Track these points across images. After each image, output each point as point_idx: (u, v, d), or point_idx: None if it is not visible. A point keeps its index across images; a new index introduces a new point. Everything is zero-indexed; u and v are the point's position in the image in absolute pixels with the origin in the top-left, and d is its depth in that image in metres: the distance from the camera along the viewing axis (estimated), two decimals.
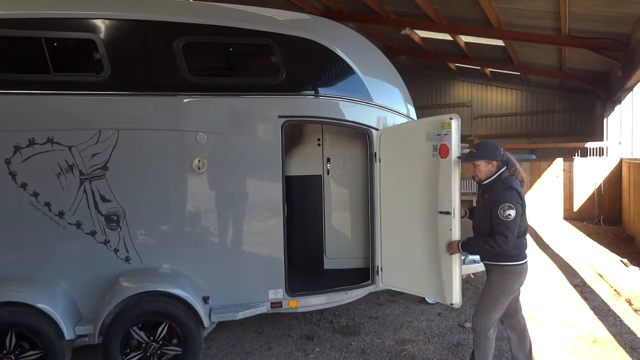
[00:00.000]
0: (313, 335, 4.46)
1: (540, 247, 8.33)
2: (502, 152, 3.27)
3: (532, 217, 11.68)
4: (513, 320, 3.46)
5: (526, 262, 3.25)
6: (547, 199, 11.83)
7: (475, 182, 3.46)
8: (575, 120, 16.56)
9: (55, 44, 3.54)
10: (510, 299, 3.26)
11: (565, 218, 11.53)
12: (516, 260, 3.19)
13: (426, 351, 4.13)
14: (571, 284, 6.06)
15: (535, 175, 12.12)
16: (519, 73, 15.13)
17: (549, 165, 11.94)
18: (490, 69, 15.74)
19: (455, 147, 3.43)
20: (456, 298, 3.50)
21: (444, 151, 3.49)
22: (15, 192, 3.40)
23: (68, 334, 3.33)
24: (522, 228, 3.19)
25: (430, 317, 4.86)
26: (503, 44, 11.65)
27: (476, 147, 3.32)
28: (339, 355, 4.06)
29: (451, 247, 3.41)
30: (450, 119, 3.47)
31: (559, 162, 11.84)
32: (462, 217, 3.52)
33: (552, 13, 8.62)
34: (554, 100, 16.99)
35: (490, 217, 3.12)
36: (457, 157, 3.41)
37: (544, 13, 8.74)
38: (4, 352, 3.26)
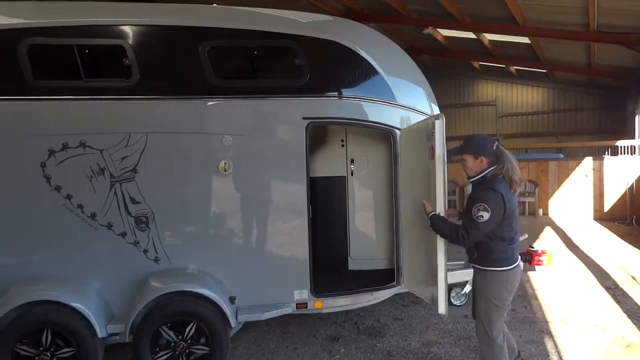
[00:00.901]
0: (338, 336, 4.46)
1: (570, 249, 8.13)
2: (495, 147, 3.05)
3: (561, 218, 11.42)
4: None
5: (513, 269, 3.05)
6: (576, 199, 11.54)
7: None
8: (605, 117, 16.10)
9: (87, 51, 3.64)
10: (504, 305, 3.09)
11: (596, 219, 11.22)
12: (500, 265, 3.02)
13: (453, 354, 4.08)
14: (603, 286, 5.89)
15: (564, 175, 11.84)
16: (545, 70, 14.81)
17: (577, 165, 11.65)
18: (515, 67, 15.45)
19: (438, 147, 3.32)
20: (442, 309, 3.42)
21: (432, 152, 3.40)
22: (50, 194, 3.51)
23: (100, 332, 3.42)
24: (510, 234, 3.03)
25: (456, 319, 4.80)
26: (529, 41, 11.42)
27: (464, 140, 3.17)
28: (365, 357, 4.05)
29: (426, 208, 3.31)
30: (436, 118, 3.36)
31: (588, 161, 11.54)
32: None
33: (580, 9, 8.42)
34: (582, 97, 16.56)
35: None
36: (447, 152, 3.29)
37: (571, 9, 8.55)
38: (40, 349, 3.38)
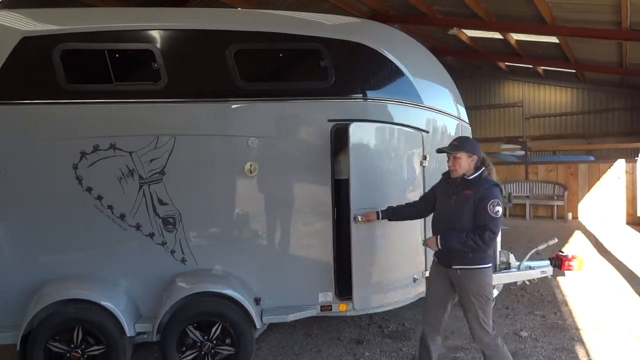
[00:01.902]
0: (362, 340, 4.43)
1: (601, 254, 7.89)
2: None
3: (592, 222, 11.09)
4: (437, 334, 3.32)
5: None
6: (608, 203, 11.20)
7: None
8: (638, 118, 15.60)
9: (117, 55, 3.72)
10: (492, 298, 3.19)
11: (629, 223, 10.86)
12: (489, 261, 3.13)
13: None
14: (637, 293, 5.69)
15: (594, 178, 11.51)
16: (574, 70, 14.43)
17: (609, 167, 11.31)
18: (543, 67, 15.11)
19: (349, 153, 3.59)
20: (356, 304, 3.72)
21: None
22: (81, 195, 3.60)
23: (129, 331, 3.48)
24: None
25: None
26: (557, 41, 11.16)
27: (457, 140, 3.23)
28: None
29: (431, 243, 3.21)
30: (349, 125, 3.62)
31: (620, 164, 11.19)
32: (376, 219, 3.60)
33: (612, 6, 8.18)
34: (614, 97, 16.07)
35: (468, 213, 3.03)
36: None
37: (602, 7, 8.32)
38: (72, 346, 3.46)
